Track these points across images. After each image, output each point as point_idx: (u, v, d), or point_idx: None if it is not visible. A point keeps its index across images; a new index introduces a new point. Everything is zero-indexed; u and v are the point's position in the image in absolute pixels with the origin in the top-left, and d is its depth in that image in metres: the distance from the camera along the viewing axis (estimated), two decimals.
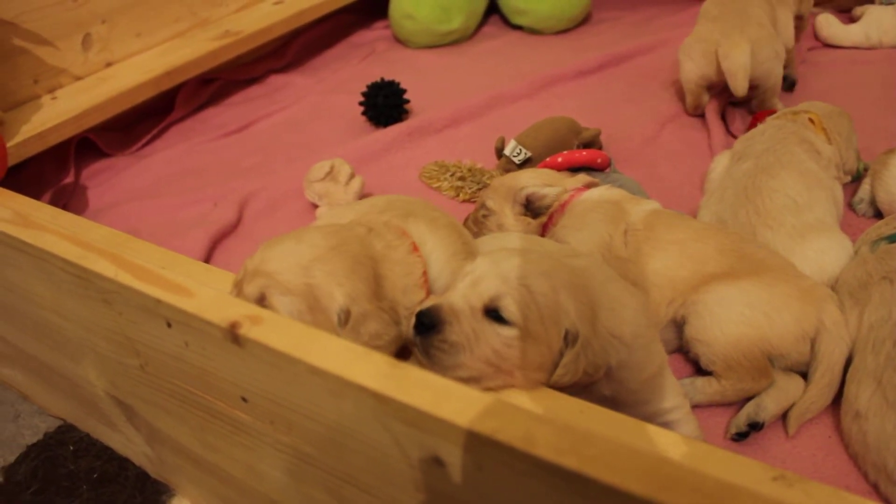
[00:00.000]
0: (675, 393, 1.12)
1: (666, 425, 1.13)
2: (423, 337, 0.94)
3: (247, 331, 0.80)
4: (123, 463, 1.38)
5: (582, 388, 1.00)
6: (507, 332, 0.93)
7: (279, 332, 0.79)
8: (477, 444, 0.65)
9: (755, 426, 1.21)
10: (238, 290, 1.00)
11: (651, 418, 1.12)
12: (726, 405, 1.28)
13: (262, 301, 0.97)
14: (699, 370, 1.30)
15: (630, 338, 1.02)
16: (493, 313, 0.94)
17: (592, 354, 0.95)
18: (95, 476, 1.36)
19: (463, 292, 0.96)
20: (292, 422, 0.84)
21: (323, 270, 0.98)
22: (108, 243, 1.02)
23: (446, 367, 0.93)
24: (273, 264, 0.99)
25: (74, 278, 1.03)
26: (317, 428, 0.82)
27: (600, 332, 0.98)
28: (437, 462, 0.70)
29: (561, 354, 0.95)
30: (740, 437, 1.22)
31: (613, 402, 1.06)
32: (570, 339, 0.94)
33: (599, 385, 1.02)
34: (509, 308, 0.93)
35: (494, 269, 0.97)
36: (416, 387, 0.69)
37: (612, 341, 0.99)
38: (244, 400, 0.89)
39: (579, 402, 0.86)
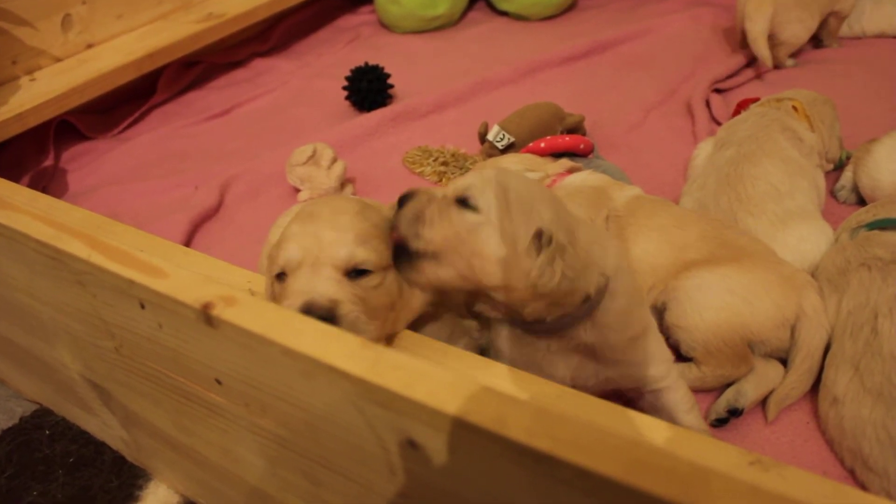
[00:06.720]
0: (661, 360, 1.12)
1: (655, 394, 1.13)
2: (396, 211, 0.99)
3: (220, 312, 0.79)
4: (100, 447, 1.37)
5: (566, 324, 1.00)
6: (470, 216, 0.95)
7: (252, 313, 0.78)
8: (449, 425, 0.64)
9: (735, 412, 1.21)
10: (312, 270, 0.97)
11: (640, 385, 1.13)
12: (706, 391, 1.28)
13: (351, 261, 0.97)
14: (679, 356, 1.30)
15: (612, 270, 1.02)
16: (462, 201, 0.96)
17: (571, 261, 0.95)
18: (71, 460, 1.35)
19: (444, 190, 1.01)
20: (267, 404, 0.83)
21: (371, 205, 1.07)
22: (85, 226, 1.01)
23: (409, 235, 0.96)
24: (335, 229, 1.00)
25: (48, 259, 1.01)
26: (291, 410, 0.81)
27: (579, 250, 0.97)
28: (410, 444, 0.70)
29: (528, 257, 0.94)
30: (720, 423, 1.22)
31: (598, 361, 1.06)
32: (543, 240, 0.94)
33: (581, 329, 1.02)
34: (475, 196, 0.95)
35: (477, 171, 1.02)
36: (389, 368, 0.68)
37: (592, 266, 0.99)
38: (218, 382, 0.88)
39: (556, 387, 0.86)
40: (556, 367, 1.06)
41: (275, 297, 1.02)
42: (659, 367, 1.12)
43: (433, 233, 0.95)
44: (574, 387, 1.05)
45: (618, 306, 1.03)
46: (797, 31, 2.21)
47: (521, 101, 1.93)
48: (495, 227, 0.94)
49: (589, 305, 1.00)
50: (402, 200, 0.99)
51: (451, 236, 0.95)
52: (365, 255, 0.98)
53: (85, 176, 2.17)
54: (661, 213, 1.36)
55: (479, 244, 0.94)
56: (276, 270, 1.00)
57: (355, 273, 0.98)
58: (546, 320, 0.99)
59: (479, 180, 0.98)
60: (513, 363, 1.06)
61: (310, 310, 0.91)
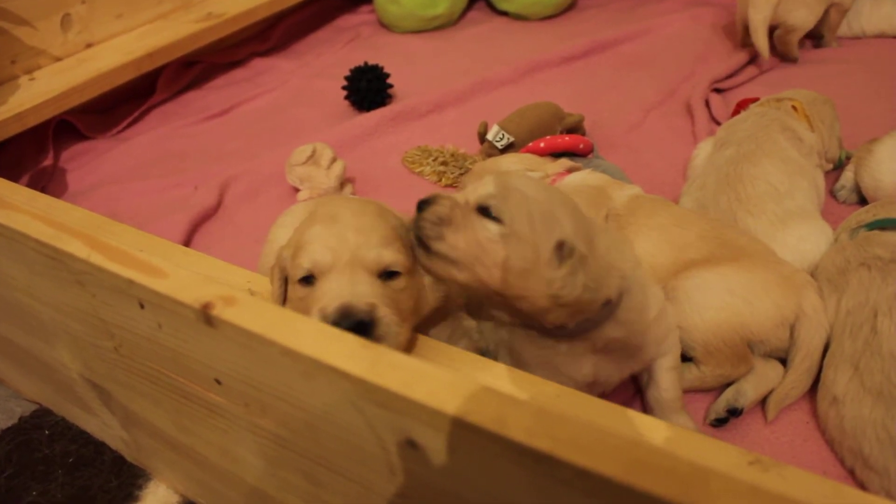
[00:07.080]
0: (675, 332, 1.17)
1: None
2: (418, 213, 0.98)
3: (220, 312, 0.79)
4: (100, 447, 1.37)
5: (589, 327, 1.01)
6: (493, 227, 0.94)
7: (252, 313, 0.78)
8: (449, 425, 0.64)
9: (734, 412, 1.21)
10: (346, 272, 0.95)
11: (654, 358, 1.16)
12: (706, 391, 1.28)
13: (381, 263, 0.96)
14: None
15: (630, 272, 1.02)
16: (484, 210, 0.96)
17: (592, 272, 0.95)
18: (71, 460, 1.35)
19: (464, 195, 1.00)
20: (266, 404, 0.83)
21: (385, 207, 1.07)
22: (84, 225, 1.01)
23: (430, 237, 0.95)
24: (362, 231, 0.98)
25: (47, 259, 1.01)
26: (291, 410, 0.81)
27: (599, 257, 0.97)
28: (410, 444, 0.70)
29: (550, 268, 0.94)
30: (719, 422, 1.22)
31: (624, 352, 1.08)
32: (565, 251, 0.94)
33: (607, 328, 1.02)
34: (498, 206, 0.94)
35: (498, 179, 1.00)
36: (389, 368, 0.68)
37: (612, 271, 0.99)
38: (218, 382, 0.87)
39: (555, 387, 0.86)
40: (579, 368, 1.06)
41: (288, 301, 1.01)
42: (673, 336, 1.16)
43: (457, 239, 0.94)
44: (596, 384, 1.08)
45: (636, 301, 1.04)
46: (804, 14, 2.21)
47: (521, 101, 1.92)
48: (518, 238, 0.93)
49: (610, 308, 1.01)
50: (423, 204, 0.98)
51: (473, 245, 0.94)
52: (393, 256, 0.96)
53: (84, 175, 2.17)
54: (661, 212, 1.36)
55: (502, 256, 0.93)
56: (301, 273, 0.97)
57: (385, 275, 0.97)
58: (568, 326, 1.00)
59: (500, 189, 0.96)
60: (528, 364, 1.06)
61: (348, 312, 0.90)
